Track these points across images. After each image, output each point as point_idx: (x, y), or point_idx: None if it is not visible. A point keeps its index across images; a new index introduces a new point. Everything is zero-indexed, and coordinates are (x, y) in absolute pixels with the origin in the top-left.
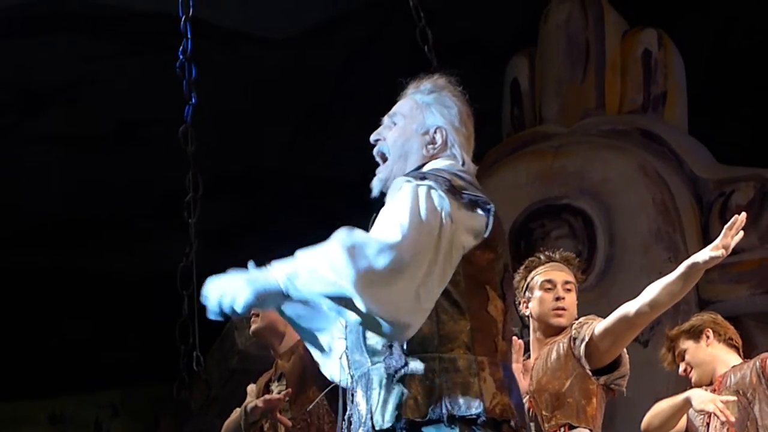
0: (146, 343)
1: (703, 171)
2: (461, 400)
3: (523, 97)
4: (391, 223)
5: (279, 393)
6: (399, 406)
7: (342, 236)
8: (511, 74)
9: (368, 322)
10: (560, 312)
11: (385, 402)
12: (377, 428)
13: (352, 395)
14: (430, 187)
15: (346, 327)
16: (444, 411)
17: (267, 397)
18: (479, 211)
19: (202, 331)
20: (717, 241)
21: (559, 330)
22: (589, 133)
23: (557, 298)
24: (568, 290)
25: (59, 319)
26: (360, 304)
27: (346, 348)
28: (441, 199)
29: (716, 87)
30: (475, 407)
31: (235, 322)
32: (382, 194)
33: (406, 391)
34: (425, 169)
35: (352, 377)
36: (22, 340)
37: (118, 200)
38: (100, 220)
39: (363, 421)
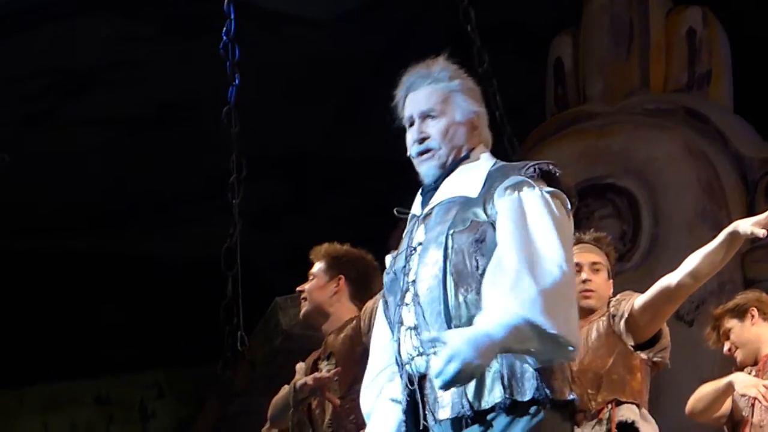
0: (191, 324)
1: (748, 149)
2: (555, 385)
3: (567, 76)
4: (554, 256)
5: (328, 371)
6: (500, 388)
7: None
8: (554, 54)
9: (555, 353)
10: (588, 294)
11: (481, 385)
12: (475, 409)
13: (412, 376)
14: (553, 194)
15: (405, 305)
16: (543, 393)
17: (317, 375)
18: (569, 205)
19: (246, 311)
20: (762, 217)
21: (589, 311)
22: (633, 112)
23: (584, 281)
24: (596, 270)
25: (104, 301)
26: (560, 339)
27: (413, 326)
28: (564, 209)
29: (761, 65)
30: (569, 393)
31: (278, 302)
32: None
33: (504, 373)
34: (487, 155)
35: (421, 355)
36: (67, 321)
37: (160, 183)
38: (141, 203)
39: (449, 402)
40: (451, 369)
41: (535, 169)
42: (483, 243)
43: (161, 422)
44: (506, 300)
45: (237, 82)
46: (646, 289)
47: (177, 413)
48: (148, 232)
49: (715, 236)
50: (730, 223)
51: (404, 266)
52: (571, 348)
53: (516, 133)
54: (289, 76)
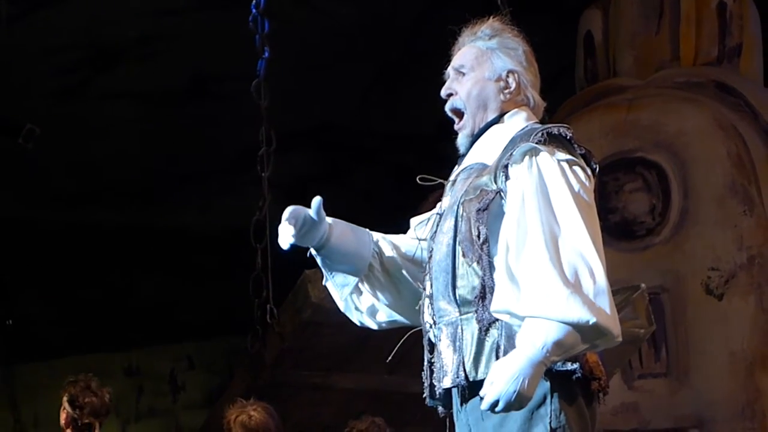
0: (220, 296)
1: None
2: None
3: (597, 49)
4: (580, 235)
5: None
6: (495, 359)
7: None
8: (584, 27)
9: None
10: None
11: (479, 354)
12: (471, 379)
13: (431, 342)
14: (569, 162)
15: (427, 273)
16: None
17: None
18: (588, 170)
19: (276, 284)
20: None
21: None
22: (663, 86)
23: None
24: None
25: (134, 273)
26: (606, 331)
27: (429, 294)
28: (584, 174)
29: None
30: (571, 363)
31: (308, 274)
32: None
33: (501, 344)
34: (522, 120)
35: (434, 324)
36: (98, 294)
37: (192, 155)
38: (173, 176)
39: (451, 371)
40: (498, 409)
41: (542, 134)
42: (486, 212)
43: (191, 394)
44: (539, 307)
45: (266, 55)
46: (676, 263)
47: (207, 385)
48: (178, 205)
49: (744, 210)
50: (759, 196)
51: (434, 233)
52: (614, 335)
53: (546, 105)
54: (320, 49)
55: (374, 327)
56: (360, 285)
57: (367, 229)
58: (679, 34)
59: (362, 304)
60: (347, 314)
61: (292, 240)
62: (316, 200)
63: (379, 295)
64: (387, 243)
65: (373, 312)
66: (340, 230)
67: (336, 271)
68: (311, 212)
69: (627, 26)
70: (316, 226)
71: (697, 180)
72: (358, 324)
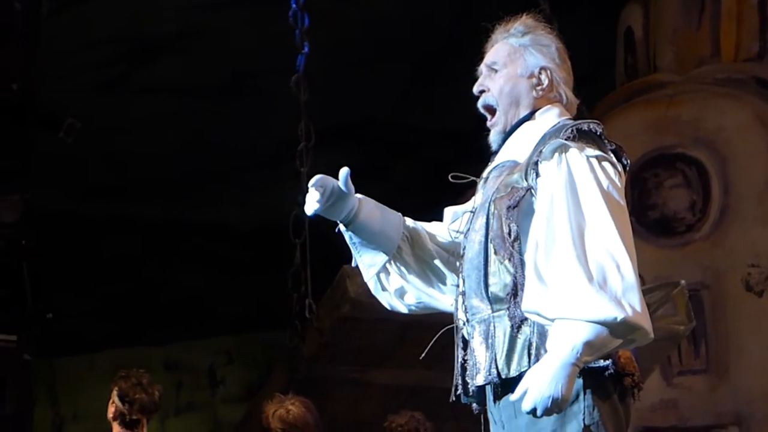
0: (258, 291)
1: None
2: None
3: (637, 45)
4: (609, 233)
5: None
6: (527, 356)
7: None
8: (624, 22)
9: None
10: None
11: (511, 351)
12: (503, 377)
13: (464, 339)
14: (599, 158)
15: (461, 270)
16: None
17: None
18: (618, 166)
19: (314, 279)
20: None
21: None
22: (703, 82)
23: None
24: None
25: (172, 268)
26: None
27: (462, 292)
28: (613, 170)
29: None
30: (603, 359)
31: (346, 269)
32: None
33: (533, 341)
34: (554, 117)
35: (467, 321)
36: (136, 288)
37: (230, 151)
38: (211, 171)
39: (483, 368)
40: (538, 413)
41: (572, 130)
42: (517, 209)
43: (230, 388)
44: (566, 308)
45: (306, 50)
46: (716, 259)
47: (245, 379)
48: (218, 200)
49: None
50: None
51: (467, 230)
52: (646, 331)
53: (585, 101)
54: (359, 43)
55: (403, 310)
56: (388, 266)
57: (399, 213)
58: (720, 30)
59: (390, 285)
60: (376, 295)
61: (317, 207)
62: (344, 171)
63: (408, 277)
64: (419, 228)
65: (401, 294)
66: (369, 208)
67: (364, 249)
68: (339, 183)
69: (667, 22)
70: (344, 198)
71: (737, 176)
72: (388, 307)
